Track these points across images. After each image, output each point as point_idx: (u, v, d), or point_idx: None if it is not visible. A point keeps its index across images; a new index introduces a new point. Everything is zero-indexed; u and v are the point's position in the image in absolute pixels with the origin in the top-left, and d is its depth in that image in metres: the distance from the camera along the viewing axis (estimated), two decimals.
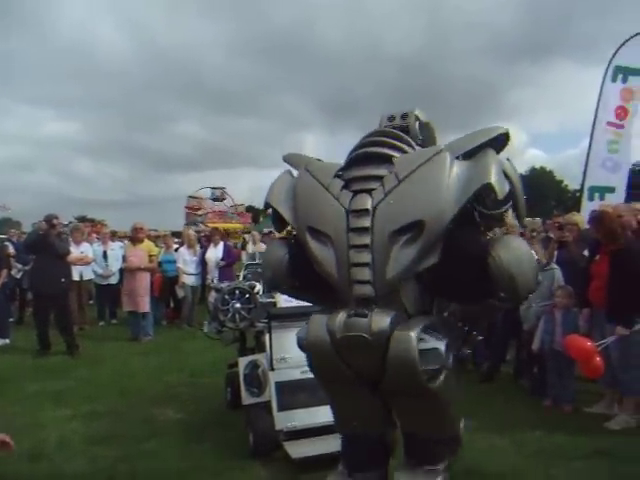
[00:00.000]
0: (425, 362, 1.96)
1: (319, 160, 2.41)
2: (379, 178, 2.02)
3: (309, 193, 2.19)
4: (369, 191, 2.03)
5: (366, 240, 2.00)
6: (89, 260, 9.02)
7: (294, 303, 4.11)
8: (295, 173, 2.38)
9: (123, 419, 4.62)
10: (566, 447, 3.89)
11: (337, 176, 2.15)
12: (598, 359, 3.98)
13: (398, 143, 2.12)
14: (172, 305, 9.88)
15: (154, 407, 4.93)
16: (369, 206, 2.00)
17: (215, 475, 3.51)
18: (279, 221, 2.39)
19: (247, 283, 4.31)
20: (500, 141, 2.09)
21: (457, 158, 2.00)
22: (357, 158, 2.14)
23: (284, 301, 4.13)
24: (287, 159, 2.52)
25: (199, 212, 27.68)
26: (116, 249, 9.49)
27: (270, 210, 2.38)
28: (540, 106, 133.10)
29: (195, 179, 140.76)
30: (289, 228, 2.40)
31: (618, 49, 7.90)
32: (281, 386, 3.88)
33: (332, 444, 3.65)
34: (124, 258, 8.59)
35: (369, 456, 2.41)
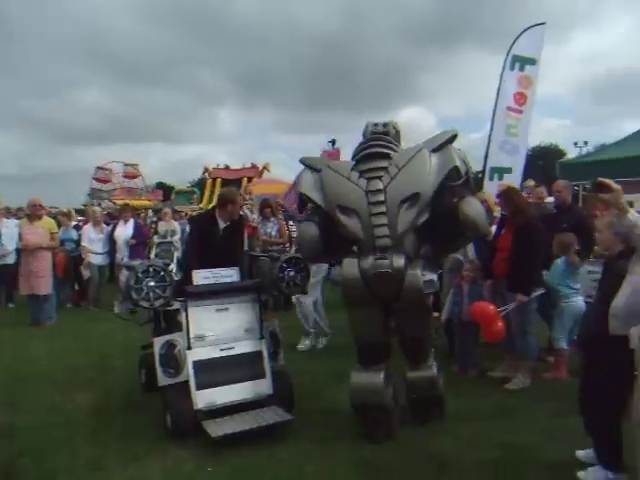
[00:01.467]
0: (426, 288, 3.19)
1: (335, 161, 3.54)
2: (383, 169, 3.11)
3: (335, 182, 3.19)
4: (379, 177, 3.09)
5: (382, 209, 3.10)
6: None
7: (211, 281, 4.05)
8: (304, 173, 3.43)
9: (25, 408, 4.31)
10: (470, 409, 4.18)
11: (352, 169, 3.17)
12: (499, 323, 4.36)
13: (389, 144, 3.22)
14: (77, 286, 9.31)
15: (60, 394, 4.66)
16: (381, 187, 3.09)
17: (133, 460, 3.39)
18: (304, 205, 3.56)
19: (161, 261, 4.15)
20: (452, 139, 3.23)
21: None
22: (365, 156, 3.19)
23: (200, 279, 4.03)
24: (305, 161, 3.51)
25: (104, 187, 26.18)
26: (11, 227, 8.71)
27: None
28: (448, 91, 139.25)
29: (101, 153, 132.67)
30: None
31: (515, 40, 8.41)
32: (199, 365, 3.81)
33: (251, 420, 3.69)
34: (20, 237, 7.91)
35: (377, 356, 3.61)
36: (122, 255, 8.65)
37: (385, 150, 3.10)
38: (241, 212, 4.57)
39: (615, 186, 2.69)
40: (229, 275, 4.14)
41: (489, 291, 4.99)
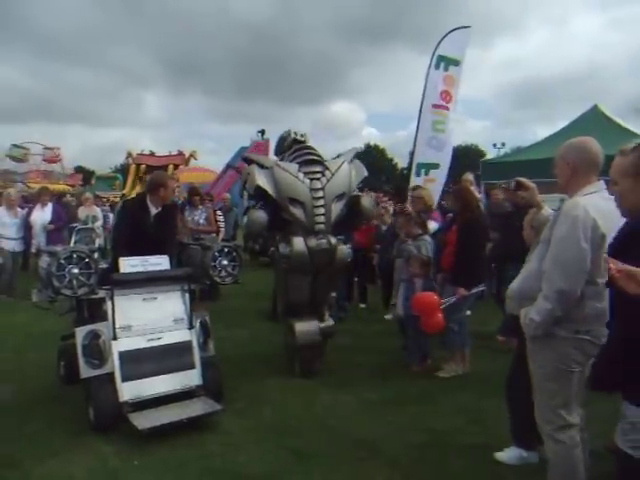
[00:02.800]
0: (348, 256, 4.38)
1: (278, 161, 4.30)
2: (320, 172, 3.99)
3: (287, 180, 3.90)
4: (318, 179, 3.95)
5: (322, 202, 4.01)
6: None
7: (139, 269, 3.90)
8: (254, 169, 4.16)
9: None
10: (398, 395, 4.34)
11: (299, 171, 3.94)
12: (439, 315, 4.38)
13: (318, 153, 4.17)
14: None
15: None
16: (321, 186, 3.97)
17: (52, 455, 3.21)
18: (259, 197, 4.17)
19: (86, 247, 3.94)
20: (357, 155, 4.47)
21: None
22: (305, 161, 4.05)
23: (128, 266, 3.87)
24: (252, 158, 4.46)
25: (18, 170, 24.38)
26: None
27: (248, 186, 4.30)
28: (377, 87, 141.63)
29: (15, 132, 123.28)
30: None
31: (441, 40, 8.75)
32: (125, 355, 3.66)
33: (179, 412, 3.61)
34: None
35: (308, 310, 4.64)
36: (38, 241, 8.14)
37: (318, 158, 4.08)
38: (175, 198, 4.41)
39: (531, 185, 2.99)
40: (158, 263, 4.00)
41: (439, 285, 5.03)
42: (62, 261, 3.49)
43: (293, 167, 3.96)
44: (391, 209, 7.87)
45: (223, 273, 4.18)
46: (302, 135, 4.24)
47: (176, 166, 21.80)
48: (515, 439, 3.42)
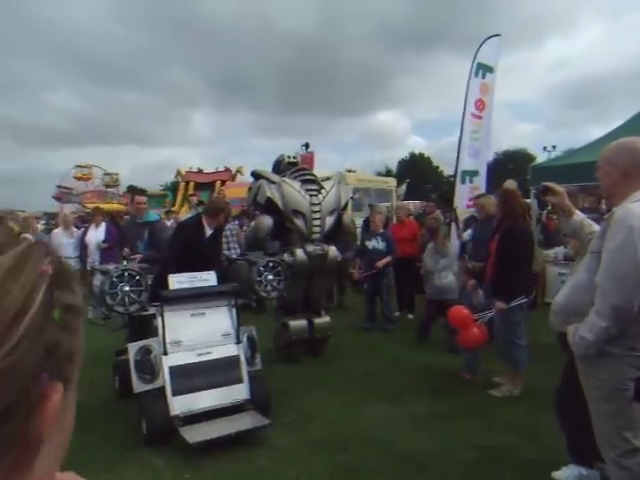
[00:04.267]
0: (337, 256, 4.78)
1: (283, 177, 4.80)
2: (317, 190, 4.46)
3: (291, 193, 4.41)
4: (316, 195, 4.42)
5: (319, 215, 4.49)
6: None
7: (186, 285, 4.00)
8: (264, 183, 4.70)
9: None
10: (447, 410, 4.23)
11: (301, 187, 4.40)
12: (475, 329, 4.22)
13: (312, 173, 4.59)
14: None
15: None
16: (318, 202, 4.43)
17: (106, 470, 3.31)
18: (267, 207, 4.57)
19: (137, 265, 4.08)
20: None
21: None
22: (304, 180, 4.50)
23: (176, 283, 3.98)
24: (261, 173, 4.97)
25: (73, 191, 25.60)
26: None
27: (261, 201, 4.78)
28: (423, 94, 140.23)
29: (71, 156, 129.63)
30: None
31: (479, 47, 8.67)
32: (175, 370, 3.75)
33: (228, 426, 3.65)
34: None
35: (300, 309, 5.25)
36: (93, 259, 8.48)
37: (314, 178, 4.62)
38: None
39: (559, 189, 2.82)
40: (206, 279, 4.09)
41: (483, 297, 4.78)
42: (114, 279, 3.62)
43: (296, 184, 4.61)
44: (441, 218, 7.77)
45: (269, 287, 4.23)
46: (294, 157, 4.90)
47: (223, 182, 22.36)
48: (572, 456, 3.24)
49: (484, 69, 8.57)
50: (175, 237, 4.80)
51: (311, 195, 4.34)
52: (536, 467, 3.28)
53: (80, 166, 27.00)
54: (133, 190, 31.98)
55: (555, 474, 3.23)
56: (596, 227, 2.73)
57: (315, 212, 4.28)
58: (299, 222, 4.39)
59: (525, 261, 4.54)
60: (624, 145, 2.49)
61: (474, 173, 8.70)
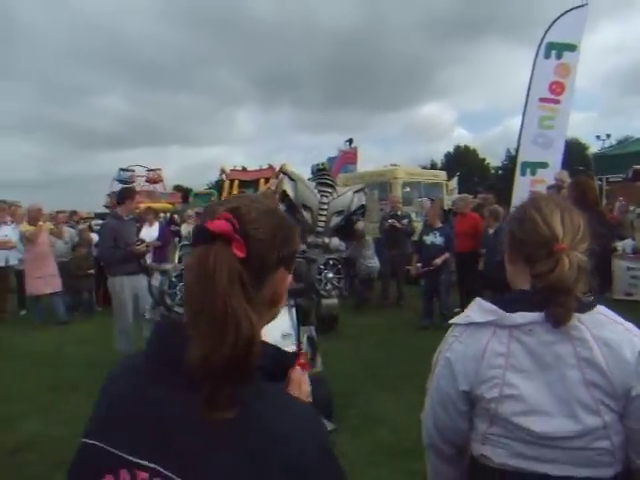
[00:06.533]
0: (339, 246, 4.58)
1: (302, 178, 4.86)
2: (329, 192, 4.52)
3: (304, 190, 4.57)
4: (326, 196, 4.47)
5: (325, 212, 4.43)
6: (13, 244, 8.29)
7: None
8: (285, 178, 4.82)
9: (57, 419, 4.19)
10: None
11: (315, 188, 4.53)
12: None
13: (331, 178, 4.72)
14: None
15: (90, 403, 4.51)
16: (327, 201, 4.45)
17: None
18: (282, 200, 4.55)
19: None
20: (363, 189, 4.82)
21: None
22: (320, 183, 4.58)
23: None
24: (286, 171, 5.23)
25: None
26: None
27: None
28: (469, 85, 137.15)
29: (121, 157, 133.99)
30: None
31: (550, 26, 8.02)
32: None
33: None
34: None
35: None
36: (146, 258, 8.56)
37: (331, 182, 4.78)
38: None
39: None
40: None
41: None
42: (173, 279, 3.53)
43: (312, 184, 4.94)
44: (501, 211, 7.42)
45: (329, 286, 4.05)
46: (323, 164, 5.32)
47: (267, 179, 22.40)
48: None
49: (560, 48, 7.92)
50: None
51: (322, 195, 4.67)
52: None
53: (123, 169, 27.66)
54: (180, 189, 32.63)
55: None
56: None
57: (322, 209, 4.57)
58: (306, 215, 4.73)
59: (605, 254, 4.22)
60: None
61: (540, 165, 8.17)
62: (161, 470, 0.73)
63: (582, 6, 7.95)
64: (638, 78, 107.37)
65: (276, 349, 0.94)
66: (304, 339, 3.99)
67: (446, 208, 11.00)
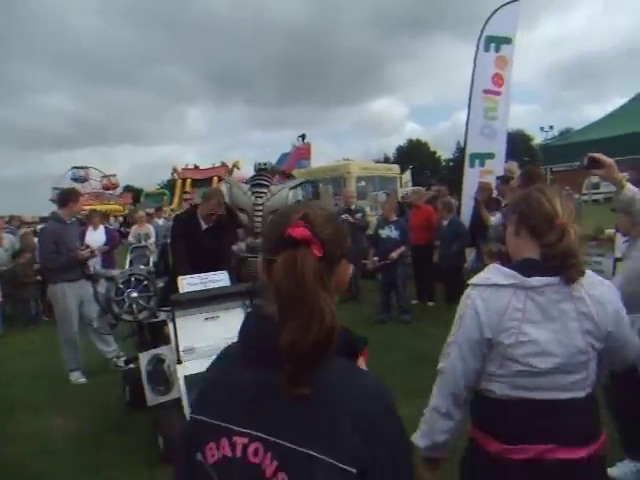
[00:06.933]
0: None
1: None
2: (264, 192, 4.82)
3: (238, 194, 4.83)
4: (261, 196, 4.80)
5: (260, 213, 4.73)
6: None
7: (198, 287, 3.72)
8: (223, 185, 5.11)
9: (2, 437, 3.92)
10: None
11: (249, 190, 4.86)
12: None
13: (266, 179, 4.96)
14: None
15: (39, 418, 4.26)
16: (262, 202, 4.76)
17: None
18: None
19: (143, 269, 3.80)
20: (300, 183, 5.21)
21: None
22: (255, 184, 4.91)
23: (187, 285, 3.70)
24: (228, 180, 5.72)
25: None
26: None
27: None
28: (419, 80, 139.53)
29: (69, 158, 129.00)
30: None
31: (488, 20, 8.20)
32: (191, 380, 3.47)
33: None
34: None
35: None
36: (94, 263, 8.19)
37: (266, 182, 4.97)
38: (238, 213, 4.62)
39: (608, 160, 2.50)
40: (218, 280, 3.81)
41: None
42: (120, 285, 3.35)
43: (245, 187, 5.18)
44: (454, 202, 7.49)
45: None
46: (265, 164, 5.38)
47: (220, 178, 22.03)
48: (627, 452, 3.02)
49: (497, 41, 8.10)
50: (172, 233, 4.60)
51: (256, 196, 4.82)
52: None
53: (77, 167, 26.62)
54: (131, 190, 31.67)
55: (610, 471, 2.99)
56: None
57: (257, 210, 4.71)
58: (243, 217, 4.90)
59: None
60: None
61: (488, 156, 8.32)
62: (256, 434, 0.90)
63: (515, 1, 8.18)
64: (577, 72, 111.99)
65: (348, 333, 1.06)
66: None
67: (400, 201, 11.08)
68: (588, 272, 1.52)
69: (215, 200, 4.30)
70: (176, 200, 22.49)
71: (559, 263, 1.47)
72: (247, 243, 4.88)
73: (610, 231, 7.75)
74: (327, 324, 0.87)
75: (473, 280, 1.59)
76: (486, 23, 8.17)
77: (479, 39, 8.15)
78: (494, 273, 1.55)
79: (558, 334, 1.47)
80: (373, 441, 0.88)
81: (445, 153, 60.11)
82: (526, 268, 1.52)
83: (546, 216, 1.53)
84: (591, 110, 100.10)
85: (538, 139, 42.86)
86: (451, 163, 54.85)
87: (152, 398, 3.46)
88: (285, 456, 0.88)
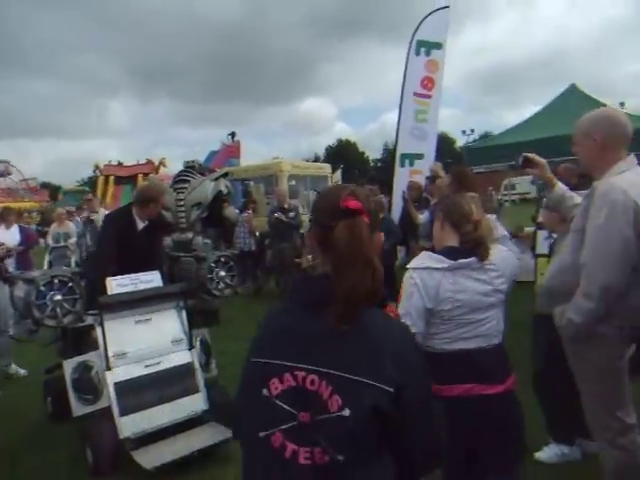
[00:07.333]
0: (202, 242, 4.68)
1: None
2: (185, 188, 4.49)
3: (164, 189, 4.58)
4: (182, 192, 4.47)
5: (183, 209, 4.43)
6: None
7: (128, 288, 3.52)
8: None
9: None
10: None
11: (171, 187, 4.63)
12: None
13: (190, 175, 4.61)
14: None
15: None
16: (183, 197, 4.44)
17: None
18: None
19: (67, 270, 3.55)
20: (225, 175, 4.85)
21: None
22: (178, 180, 4.63)
23: (116, 287, 3.49)
24: (150, 179, 8.40)
25: None
26: None
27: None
28: (348, 81, 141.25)
29: None
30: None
31: (419, 25, 8.45)
32: (122, 386, 3.29)
33: (187, 444, 3.27)
34: None
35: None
36: (6, 265, 7.58)
37: (187, 178, 4.70)
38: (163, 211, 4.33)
39: (541, 160, 2.65)
40: (149, 280, 3.63)
41: None
42: (42, 288, 3.10)
43: (166, 184, 5.16)
44: (385, 201, 7.61)
45: (221, 285, 3.84)
46: (193, 162, 5.19)
47: (145, 175, 21.26)
48: (554, 435, 3.19)
49: (428, 46, 8.33)
50: (103, 232, 4.29)
51: (178, 192, 4.69)
52: None
53: None
54: (48, 187, 29.82)
55: (538, 455, 3.15)
56: (578, 199, 2.59)
57: (179, 206, 4.58)
58: (167, 215, 4.79)
59: None
60: (600, 117, 2.35)
61: (417, 156, 8.56)
62: (311, 368, 1.13)
63: (445, 7, 8.50)
64: (496, 79, 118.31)
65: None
66: (197, 343, 3.74)
67: None
68: (493, 245, 2.10)
69: (162, 202, 4.07)
70: (108, 198, 21.35)
71: (473, 247, 2.01)
72: (173, 239, 4.67)
73: (529, 229, 8.22)
74: (379, 275, 1.15)
75: (412, 264, 2.06)
76: (417, 28, 8.39)
77: (410, 43, 8.36)
78: (427, 258, 2.04)
79: (479, 295, 1.99)
80: (404, 368, 1.12)
81: (373, 153, 61.54)
82: (451, 253, 2.02)
83: (465, 214, 2.05)
84: (508, 116, 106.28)
85: (460, 142, 44.75)
86: (379, 164, 56.16)
87: (78, 408, 3.23)
88: (337, 382, 1.10)
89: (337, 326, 1.10)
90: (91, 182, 28.98)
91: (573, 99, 9.43)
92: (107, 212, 7.96)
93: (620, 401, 2.29)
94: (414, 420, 1.15)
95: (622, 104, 15.97)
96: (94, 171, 24.41)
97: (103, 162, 24.39)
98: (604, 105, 9.42)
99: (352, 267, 1.11)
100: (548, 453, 3.17)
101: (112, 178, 22.89)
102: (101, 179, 23.36)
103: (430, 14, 8.44)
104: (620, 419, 2.28)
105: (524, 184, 31.89)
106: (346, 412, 1.09)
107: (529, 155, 2.67)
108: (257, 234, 9.36)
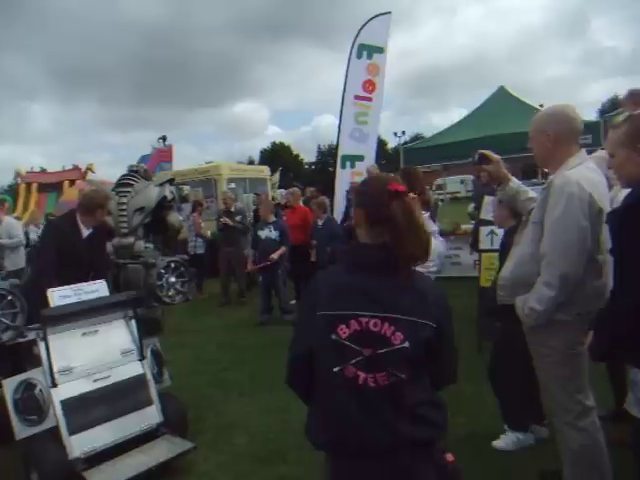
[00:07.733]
0: (142, 246, 4.32)
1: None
2: (128, 192, 4.24)
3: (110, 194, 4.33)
4: (125, 196, 4.22)
5: (124, 213, 4.17)
6: None
7: (72, 300, 3.31)
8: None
9: None
10: None
11: (113, 190, 4.32)
12: None
13: (133, 179, 4.32)
14: None
15: None
16: (125, 201, 4.20)
17: None
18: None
19: (7, 283, 3.29)
20: (171, 181, 4.63)
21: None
22: (120, 184, 4.34)
23: (59, 298, 3.27)
24: (90, 182, 6.19)
25: None
26: None
27: None
28: (279, 84, 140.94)
29: None
30: None
31: (361, 29, 8.59)
32: (69, 404, 3.08)
33: (142, 460, 3.12)
34: None
35: None
36: None
37: (130, 182, 4.45)
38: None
39: (495, 157, 2.76)
40: (95, 290, 3.43)
41: None
42: None
43: (108, 188, 4.91)
44: (327, 202, 7.65)
45: (172, 292, 3.70)
46: (137, 166, 5.01)
47: (72, 182, 20.20)
48: (509, 423, 3.31)
49: (370, 50, 8.47)
50: (44, 240, 4.03)
51: (121, 196, 4.53)
52: (473, 441, 3.28)
53: None
54: None
55: (495, 443, 3.26)
56: (532, 193, 2.72)
57: (121, 210, 4.44)
58: (109, 219, 4.65)
59: None
60: (553, 112, 2.48)
61: (358, 157, 8.67)
62: (372, 314, 1.47)
63: (386, 13, 8.71)
64: (422, 83, 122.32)
65: None
66: (148, 353, 3.58)
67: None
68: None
69: (100, 213, 3.89)
70: (20, 206, 20.10)
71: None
72: (113, 244, 4.45)
73: (467, 226, 8.54)
74: (427, 242, 1.53)
75: None
76: (359, 32, 8.52)
77: (352, 46, 8.47)
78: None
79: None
80: (442, 310, 1.54)
81: (307, 156, 61.86)
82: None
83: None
84: (435, 118, 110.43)
85: (392, 144, 45.88)
86: (314, 166, 56.59)
87: (21, 430, 2.98)
88: (397, 323, 1.46)
89: (403, 280, 1.49)
90: (11, 190, 27.20)
91: (502, 101, 9.91)
92: (12, 221, 7.48)
93: (580, 385, 2.40)
94: (448, 345, 1.58)
95: (541, 106, 17.01)
96: (15, 178, 22.89)
97: (25, 169, 22.96)
98: (531, 106, 10.01)
99: (410, 237, 1.47)
100: (505, 441, 3.28)
101: (35, 185, 21.58)
102: (22, 186, 21.95)
103: (372, 18, 8.61)
104: (580, 402, 2.39)
105: (454, 184, 33.20)
106: (406, 344, 1.45)
107: (485, 152, 2.77)
108: (209, 234, 9.15)
